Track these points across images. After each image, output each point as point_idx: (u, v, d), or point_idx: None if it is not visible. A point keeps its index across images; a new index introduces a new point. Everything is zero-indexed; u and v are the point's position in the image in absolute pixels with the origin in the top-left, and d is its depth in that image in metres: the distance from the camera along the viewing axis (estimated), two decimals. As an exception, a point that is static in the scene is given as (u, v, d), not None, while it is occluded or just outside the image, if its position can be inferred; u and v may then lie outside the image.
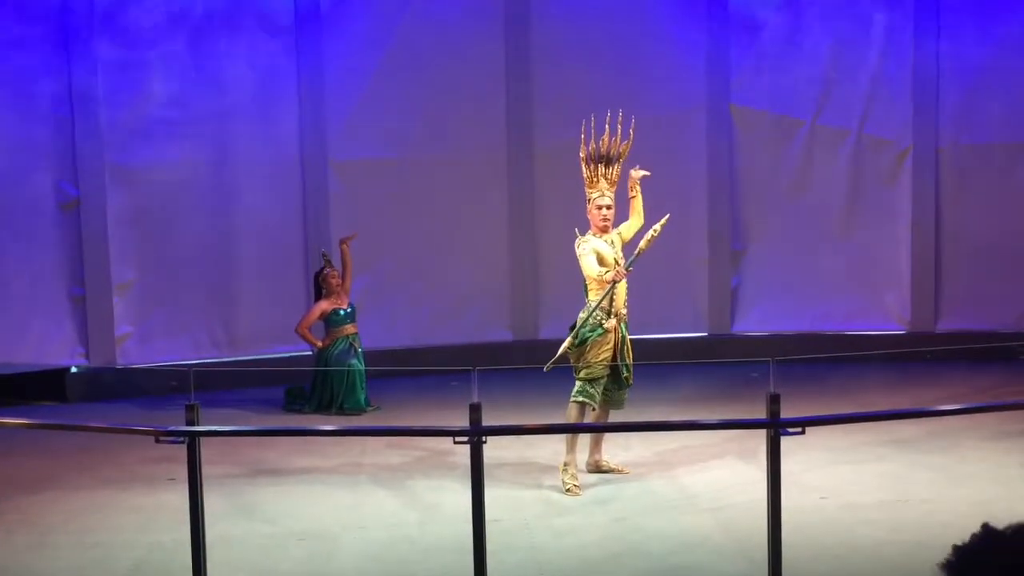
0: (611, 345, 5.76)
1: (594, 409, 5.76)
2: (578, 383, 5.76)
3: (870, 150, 9.39)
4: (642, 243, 5.73)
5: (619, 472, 5.90)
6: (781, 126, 9.42)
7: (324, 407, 7.97)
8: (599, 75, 9.05)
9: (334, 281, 8.04)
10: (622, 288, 5.77)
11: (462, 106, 9.17)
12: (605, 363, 5.73)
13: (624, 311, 5.82)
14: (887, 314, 9.49)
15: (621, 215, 5.96)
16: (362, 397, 7.99)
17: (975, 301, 9.29)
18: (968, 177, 9.29)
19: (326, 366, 7.96)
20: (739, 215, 9.57)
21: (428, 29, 9.13)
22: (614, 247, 5.83)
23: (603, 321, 5.76)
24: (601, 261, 5.75)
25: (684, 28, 9.38)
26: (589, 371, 5.74)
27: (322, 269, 8.12)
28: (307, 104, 9.05)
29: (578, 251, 5.78)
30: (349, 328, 8.06)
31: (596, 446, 6.00)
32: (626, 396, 5.92)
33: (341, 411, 7.92)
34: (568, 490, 5.73)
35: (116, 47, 8.64)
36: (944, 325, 9.37)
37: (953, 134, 9.27)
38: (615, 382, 5.84)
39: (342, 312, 8.05)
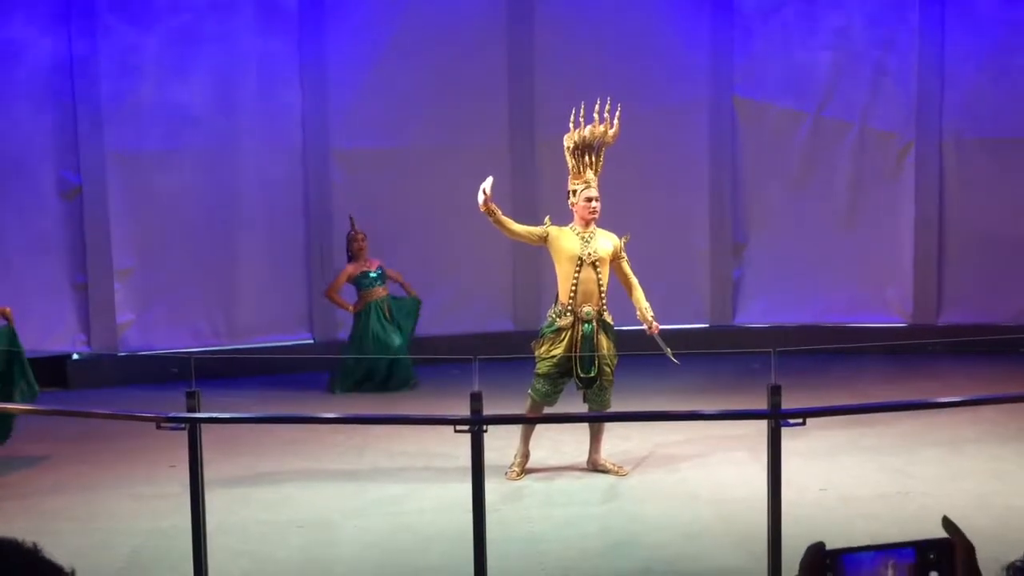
0: (564, 344, 5.64)
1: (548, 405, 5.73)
2: (533, 378, 5.78)
3: (873, 143, 9.36)
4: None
5: (617, 473, 5.85)
6: (784, 118, 9.39)
7: (356, 385, 8.07)
8: (602, 65, 9.01)
9: (356, 245, 8.14)
10: (589, 286, 5.65)
11: (465, 95, 9.14)
12: (553, 361, 5.66)
13: (589, 309, 5.65)
14: (889, 307, 9.48)
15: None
16: (397, 374, 8.04)
17: (977, 295, 9.28)
18: (971, 171, 9.26)
19: (361, 338, 8.08)
20: (741, 207, 9.55)
21: (431, 18, 9.10)
22: (589, 243, 5.68)
23: (556, 319, 5.71)
24: (559, 253, 5.70)
25: (688, 18, 9.34)
26: (538, 367, 5.74)
27: (349, 231, 8.24)
28: (309, 92, 9.03)
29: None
30: (379, 291, 8.16)
31: (594, 445, 5.94)
32: (607, 397, 5.75)
33: (384, 388, 8.05)
34: (506, 472, 5.78)
35: (118, 34, 8.62)
36: (945, 318, 9.36)
37: (956, 128, 9.24)
38: (582, 383, 5.69)
39: (371, 275, 8.14)
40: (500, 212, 5.73)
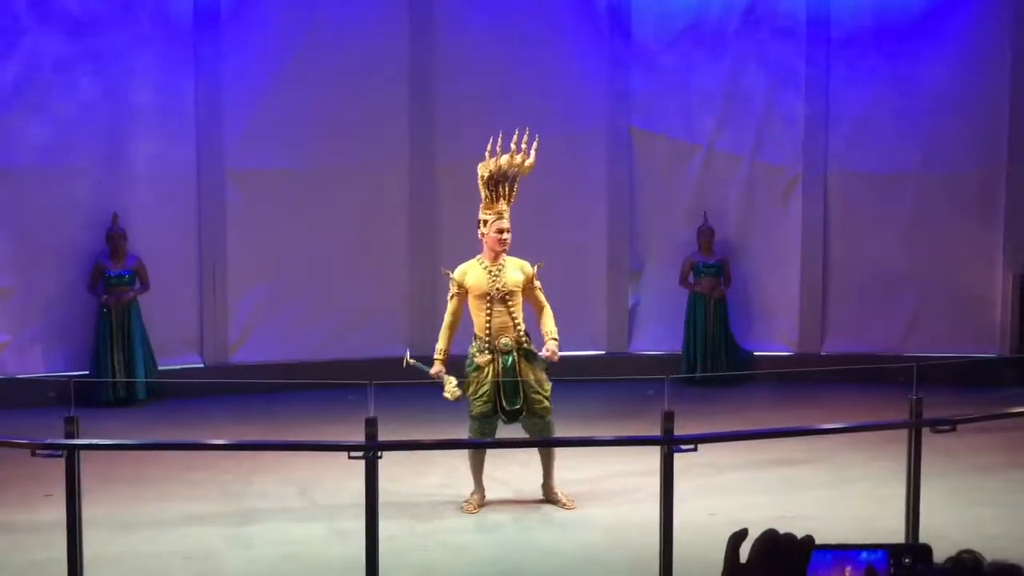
0: (488, 380, 5.58)
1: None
2: (469, 420, 5.71)
3: (763, 176, 9.67)
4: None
5: (564, 506, 5.77)
6: (678, 150, 9.62)
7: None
8: (502, 93, 9.08)
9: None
10: (503, 318, 5.60)
11: (364, 119, 9.07)
12: (484, 399, 5.60)
13: (506, 340, 5.60)
14: (776, 336, 9.77)
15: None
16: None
17: (859, 324, 9.64)
18: (854, 204, 9.66)
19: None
20: (638, 235, 9.72)
21: (331, 41, 9.01)
22: (497, 277, 5.63)
23: (475, 356, 5.66)
24: (471, 291, 5.63)
25: (587, 49, 9.50)
26: (471, 409, 5.67)
27: None
28: (204, 111, 8.83)
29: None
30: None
31: (545, 473, 5.86)
32: (546, 424, 5.65)
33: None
34: (461, 506, 5.72)
35: (5, 45, 8.28)
36: (829, 348, 9.69)
37: (840, 163, 9.64)
38: (508, 416, 5.62)
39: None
40: (441, 361, 5.66)
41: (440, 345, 5.73)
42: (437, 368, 5.68)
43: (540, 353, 5.74)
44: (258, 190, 8.98)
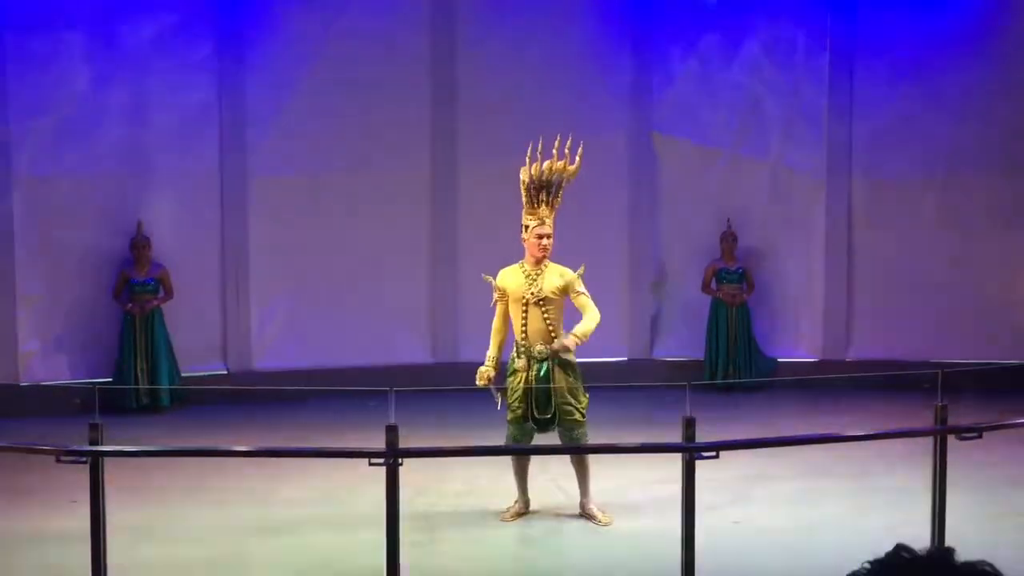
0: (521, 387, 5.53)
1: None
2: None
3: (786, 181, 9.61)
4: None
5: (599, 522, 5.66)
6: (701, 155, 9.59)
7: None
8: (524, 100, 9.08)
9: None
10: (539, 324, 5.52)
11: (386, 126, 9.11)
12: (516, 405, 5.57)
13: (542, 348, 5.52)
14: (800, 342, 9.70)
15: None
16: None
17: (884, 331, 9.55)
18: (878, 210, 9.58)
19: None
20: (660, 241, 9.69)
21: (353, 48, 9.06)
22: (535, 281, 5.57)
23: (516, 358, 5.61)
24: (509, 295, 5.58)
25: (608, 55, 9.49)
26: (507, 413, 5.66)
27: None
28: (228, 119, 8.89)
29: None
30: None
31: (581, 488, 5.79)
32: (576, 435, 5.55)
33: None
34: (501, 514, 5.71)
35: (32, 60, 8.37)
36: (854, 354, 9.61)
37: (865, 168, 9.56)
38: (539, 424, 5.57)
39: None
40: (492, 367, 5.56)
41: (490, 352, 5.63)
42: (486, 371, 5.56)
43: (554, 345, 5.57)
44: (281, 198, 9.02)
